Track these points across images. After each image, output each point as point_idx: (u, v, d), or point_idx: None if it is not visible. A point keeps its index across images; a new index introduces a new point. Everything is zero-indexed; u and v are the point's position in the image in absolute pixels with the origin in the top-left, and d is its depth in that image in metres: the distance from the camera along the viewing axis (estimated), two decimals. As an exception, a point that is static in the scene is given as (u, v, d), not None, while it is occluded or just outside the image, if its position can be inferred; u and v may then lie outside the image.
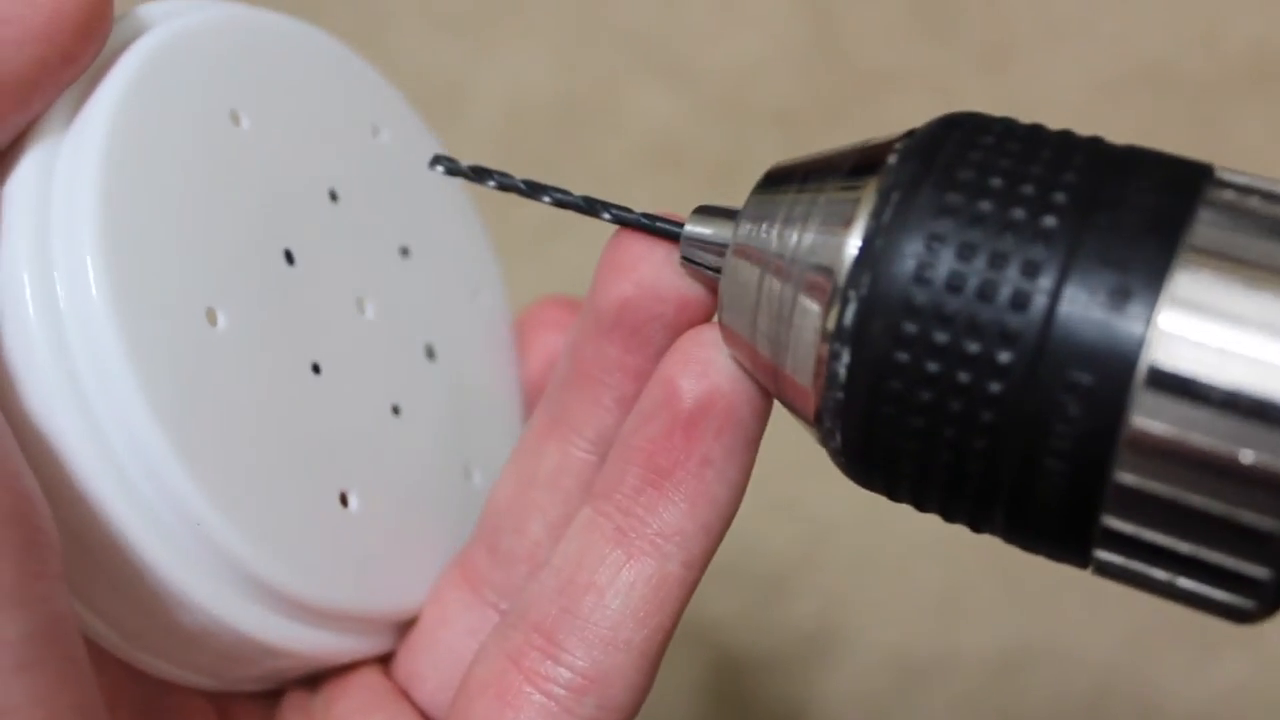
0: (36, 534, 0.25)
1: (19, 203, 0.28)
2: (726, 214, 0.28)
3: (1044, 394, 0.22)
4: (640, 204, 0.30)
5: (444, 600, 0.33)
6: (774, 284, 0.26)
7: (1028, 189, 0.23)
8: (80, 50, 0.28)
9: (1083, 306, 0.22)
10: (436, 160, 0.32)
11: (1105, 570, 0.23)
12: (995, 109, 0.25)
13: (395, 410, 0.34)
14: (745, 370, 0.28)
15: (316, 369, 0.32)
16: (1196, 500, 0.21)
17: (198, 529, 0.28)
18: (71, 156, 0.28)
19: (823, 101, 0.68)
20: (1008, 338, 0.22)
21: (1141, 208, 0.22)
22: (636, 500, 0.29)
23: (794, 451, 0.62)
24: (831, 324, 0.24)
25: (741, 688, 0.64)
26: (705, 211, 0.28)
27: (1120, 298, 0.22)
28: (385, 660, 0.34)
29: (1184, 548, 0.22)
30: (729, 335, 0.28)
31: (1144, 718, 0.62)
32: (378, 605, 0.33)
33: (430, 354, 0.35)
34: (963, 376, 0.23)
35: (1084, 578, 0.61)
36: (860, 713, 0.63)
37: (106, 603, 0.29)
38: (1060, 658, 0.63)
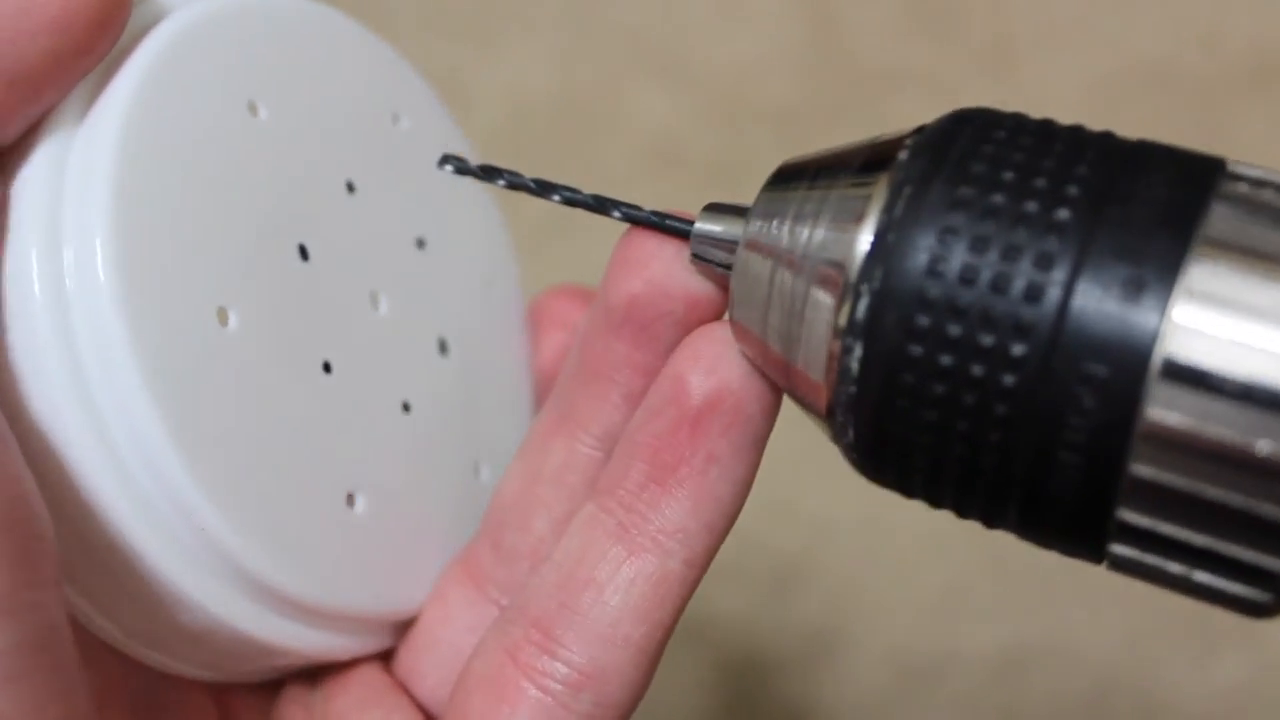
0: (32, 541, 0.24)
1: (30, 197, 0.27)
2: (737, 211, 0.28)
3: (1058, 386, 0.22)
4: (641, 204, 0.30)
5: (446, 597, 0.33)
6: (785, 279, 0.26)
7: (1040, 182, 0.23)
8: (95, 43, 0.27)
9: (1097, 298, 0.21)
10: (445, 160, 0.32)
11: (1120, 565, 0.23)
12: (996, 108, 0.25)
13: (405, 407, 0.33)
14: (756, 367, 0.28)
15: (327, 368, 0.31)
16: (1212, 492, 0.21)
17: (201, 533, 0.28)
18: (85, 150, 0.28)
19: (822, 101, 0.68)
20: (1021, 330, 0.22)
21: (1155, 201, 0.22)
22: (639, 496, 0.28)
23: (796, 451, 0.62)
24: (844, 318, 0.24)
25: (742, 687, 0.64)
26: (715, 209, 0.28)
27: (1134, 289, 0.21)
28: (387, 655, 0.34)
29: (1200, 541, 0.21)
30: (740, 331, 0.27)
31: (1144, 717, 0.62)
32: (379, 605, 0.32)
33: (443, 348, 0.35)
34: (976, 369, 0.22)
35: (1084, 578, 0.61)
36: (860, 713, 0.63)
37: (106, 597, 0.29)
38: (1060, 657, 0.63)
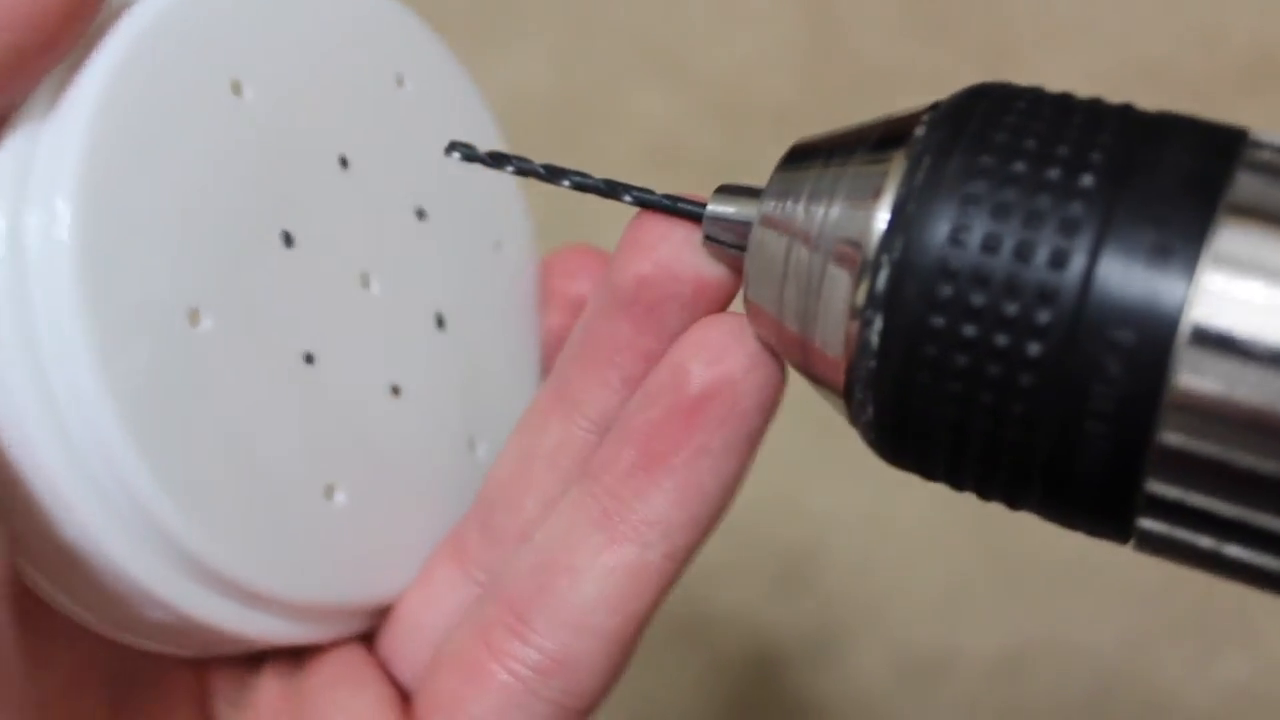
0: None
1: None
2: (750, 192, 0.27)
3: (1084, 355, 0.21)
4: (642, 201, 0.29)
5: (431, 578, 0.33)
6: (802, 255, 0.25)
7: (1063, 150, 0.22)
8: (62, 38, 0.26)
9: (1123, 264, 0.21)
10: (453, 147, 0.31)
11: (1148, 541, 0.22)
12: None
13: (395, 391, 0.32)
14: (771, 348, 0.27)
15: (310, 359, 0.30)
16: (1243, 460, 0.20)
17: (165, 533, 0.27)
18: (51, 148, 0.26)
19: (822, 101, 0.68)
20: (1046, 297, 0.21)
21: (1179, 168, 0.21)
22: (626, 484, 0.28)
23: (796, 449, 0.63)
24: (863, 291, 0.23)
25: (741, 687, 0.63)
26: (727, 190, 0.28)
27: (1161, 255, 0.21)
28: (370, 633, 0.33)
29: (1231, 511, 0.21)
30: (755, 311, 0.27)
31: (1144, 717, 0.62)
32: (356, 596, 0.32)
33: (440, 323, 0.34)
34: (1000, 339, 0.22)
35: (1084, 577, 0.60)
36: (860, 712, 0.63)
37: (77, 592, 0.28)
38: (1060, 657, 0.62)
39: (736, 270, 0.28)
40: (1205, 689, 0.61)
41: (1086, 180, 0.22)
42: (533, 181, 0.31)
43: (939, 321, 0.22)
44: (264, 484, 0.29)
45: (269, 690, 0.32)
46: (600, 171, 0.30)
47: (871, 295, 0.23)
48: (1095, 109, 0.23)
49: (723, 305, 0.29)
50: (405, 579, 0.33)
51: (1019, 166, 0.22)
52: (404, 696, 0.31)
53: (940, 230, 0.22)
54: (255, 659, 0.32)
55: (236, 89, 0.29)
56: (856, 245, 0.24)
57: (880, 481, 0.65)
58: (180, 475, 0.27)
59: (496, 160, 0.30)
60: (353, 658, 0.32)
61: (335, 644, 0.32)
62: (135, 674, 0.31)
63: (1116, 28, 0.67)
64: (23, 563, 0.28)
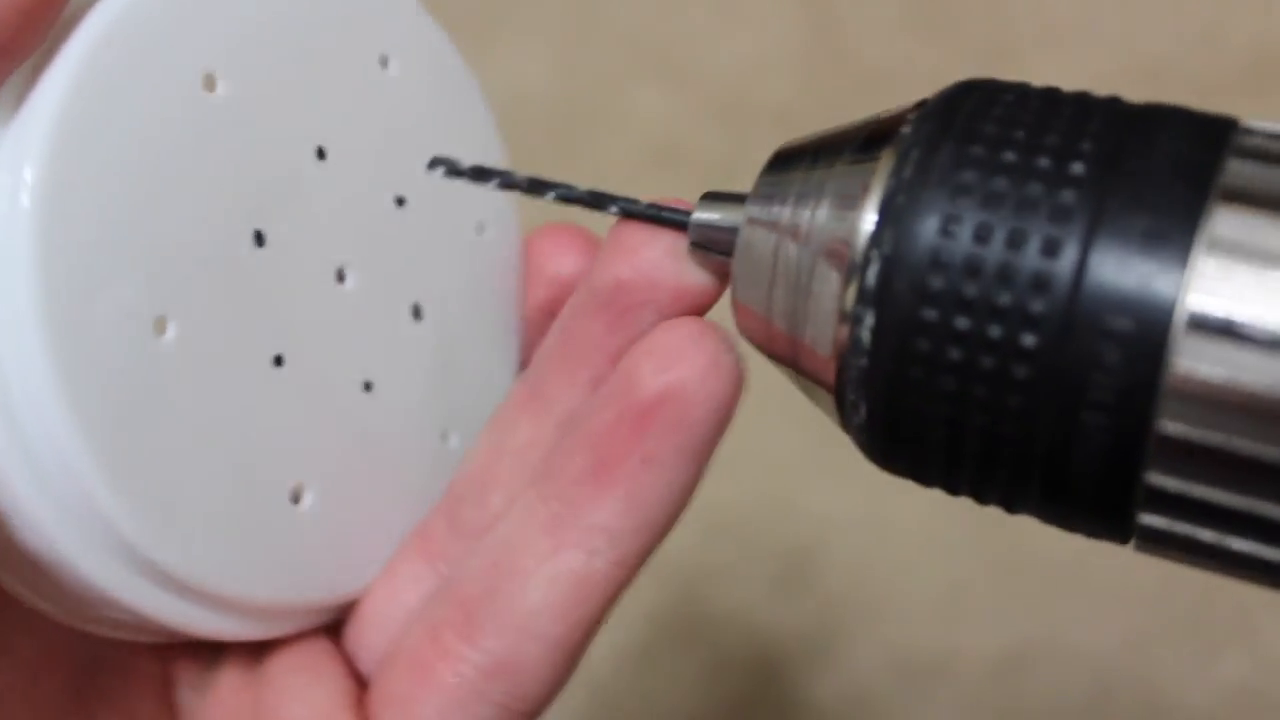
0: None
1: None
2: (736, 198, 0.27)
3: (1080, 344, 0.20)
4: (640, 202, 0.29)
5: (396, 572, 0.32)
6: (790, 254, 0.25)
7: (1052, 139, 0.22)
8: (20, 41, 0.25)
9: (1117, 251, 0.20)
10: (435, 162, 0.30)
11: (1149, 538, 0.22)
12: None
13: (367, 387, 0.32)
14: (763, 350, 0.27)
15: (279, 361, 0.29)
16: (1245, 448, 0.20)
17: (123, 541, 0.27)
18: (11, 153, 0.25)
19: (822, 101, 0.68)
20: (1040, 286, 0.21)
21: (1170, 155, 0.21)
22: (576, 489, 0.27)
23: (794, 450, 0.63)
24: (854, 287, 0.23)
25: (741, 687, 0.63)
26: (713, 197, 0.27)
27: (1155, 241, 0.20)
28: (337, 624, 0.33)
29: (1235, 502, 0.20)
30: (744, 313, 0.26)
31: (1144, 717, 0.62)
32: (323, 595, 0.31)
33: (417, 314, 0.33)
34: (994, 331, 0.21)
35: (1084, 577, 0.60)
36: (860, 713, 0.62)
37: (42, 590, 0.28)
38: (1060, 658, 0.62)
39: (724, 277, 0.28)
40: (1205, 689, 0.61)
41: (1077, 168, 0.21)
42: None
43: (931, 315, 0.22)
44: (228, 490, 0.28)
45: (230, 676, 0.31)
46: (601, 171, 0.29)
47: (862, 291, 0.22)
48: (1083, 101, 0.23)
49: (702, 313, 0.28)
50: (372, 573, 0.32)
51: (1009, 156, 0.22)
52: (365, 687, 0.31)
53: (930, 222, 0.22)
54: (218, 646, 0.32)
55: (209, 83, 0.28)
56: (846, 242, 0.23)
57: (880, 483, 0.65)
58: (141, 486, 0.26)
59: (479, 175, 0.30)
60: (315, 648, 0.31)
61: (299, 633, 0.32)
62: (98, 660, 0.31)
63: (1116, 28, 0.67)
64: None
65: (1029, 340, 0.21)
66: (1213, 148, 0.21)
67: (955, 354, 0.22)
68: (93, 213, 0.26)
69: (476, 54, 0.35)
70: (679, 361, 0.27)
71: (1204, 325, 0.20)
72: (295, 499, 0.30)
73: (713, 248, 0.27)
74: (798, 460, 0.64)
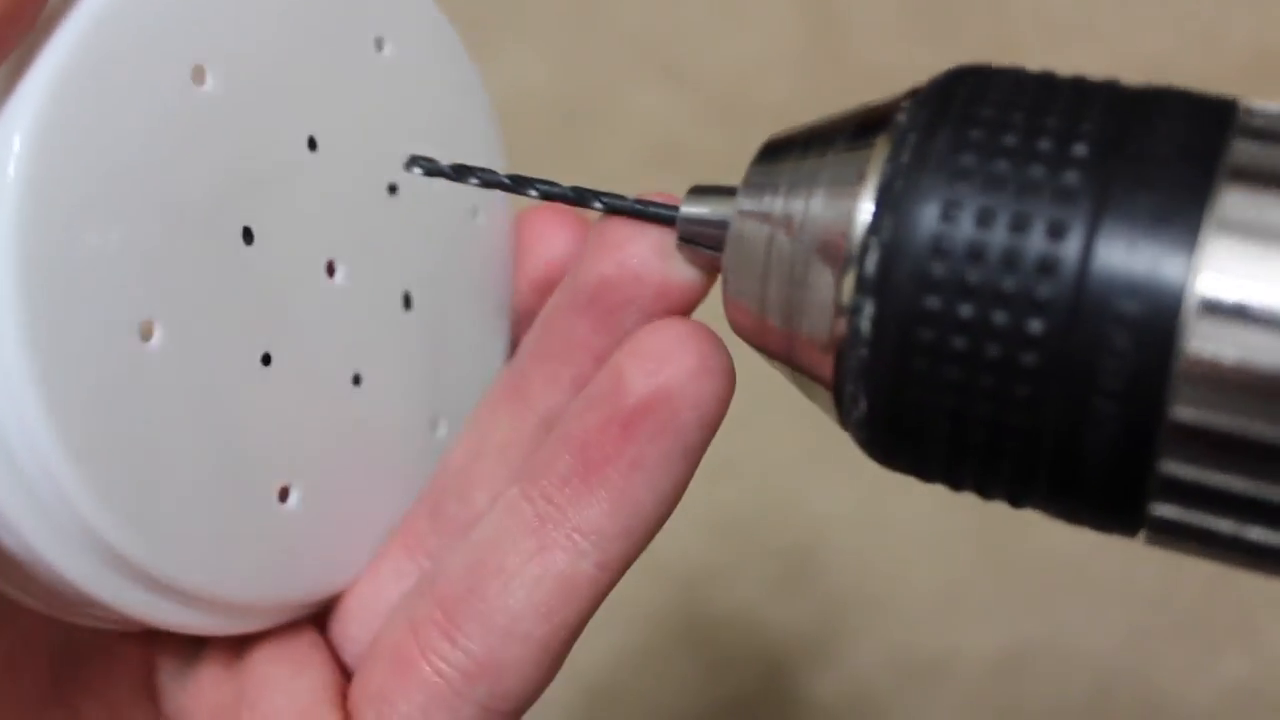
0: None
1: None
2: (724, 191, 0.26)
3: (1089, 329, 0.20)
4: (640, 202, 0.28)
5: (380, 564, 0.32)
6: (784, 248, 0.24)
7: (1053, 121, 0.21)
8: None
9: (1124, 233, 0.20)
10: (414, 161, 0.30)
11: (1162, 530, 0.21)
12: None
13: (356, 380, 0.31)
14: (757, 346, 0.26)
15: (267, 360, 0.28)
16: (1261, 431, 0.19)
17: (114, 553, 0.26)
18: None
19: (822, 101, 0.66)
20: (1046, 270, 0.20)
21: (1173, 135, 0.20)
22: (561, 490, 0.27)
23: (794, 450, 0.62)
24: (852, 277, 0.22)
25: (741, 687, 0.63)
26: (701, 191, 0.27)
27: (1162, 221, 0.20)
28: (323, 614, 0.32)
29: (1251, 489, 0.19)
30: (736, 309, 0.26)
31: (1144, 717, 0.61)
32: (309, 592, 0.31)
33: (407, 303, 0.32)
34: (999, 317, 0.20)
35: (1084, 577, 0.59)
36: (860, 712, 0.62)
37: (25, 587, 0.27)
38: (1060, 658, 0.62)
39: (713, 273, 0.27)
40: (1205, 689, 0.61)
41: (1080, 150, 0.20)
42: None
43: (934, 303, 0.21)
44: (214, 494, 0.28)
45: (213, 665, 0.31)
46: (600, 171, 0.29)
47: (861, 281, 0.22)
48: (1081, 84, 0.22)
49: (687, 311, 0.28)
50: (359, 567, 0.32)
51: (1009, 139, 0.21)
52: (350, 679, 0.31)
53: (930, 207, 0.21)
54: (201, 636, 0.31)
55: (198, 77, 0.27)
56: (842, 231, 0.22)
57: (880, 481, 0.65)
58: (126, 493, 0.26)
59: (460, 173, 0.29)
60: (299, 638, 0.31)
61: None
62: (79, 649, 0.31)
63: (1116, 28, 0.67)
64: None
65: (1036, 326, 0.20)
66: (1217, 128, 0.20)
67: (959, 343, 0.21)
68: (78, 215, 0.25)
69: (477, 54, 0.35)
70: (667, 364, 0.26)
71: (1216, 307, 0.19)
72: (283, 498, 0.29)
73: (701, 243, 0.26)
74: (798, 460, 0.63)
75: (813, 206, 0.23)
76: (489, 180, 0.29)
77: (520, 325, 0.35)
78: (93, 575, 0.26)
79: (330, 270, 0.30)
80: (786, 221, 0.24)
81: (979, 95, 0.22)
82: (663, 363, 0.26)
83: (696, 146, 0.67)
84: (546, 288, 0.32)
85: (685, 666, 0.62)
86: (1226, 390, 0.19)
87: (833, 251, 0.22)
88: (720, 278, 0.26)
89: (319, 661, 0.30)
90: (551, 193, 0.28)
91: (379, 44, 0.31)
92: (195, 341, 0.27)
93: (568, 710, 0.61)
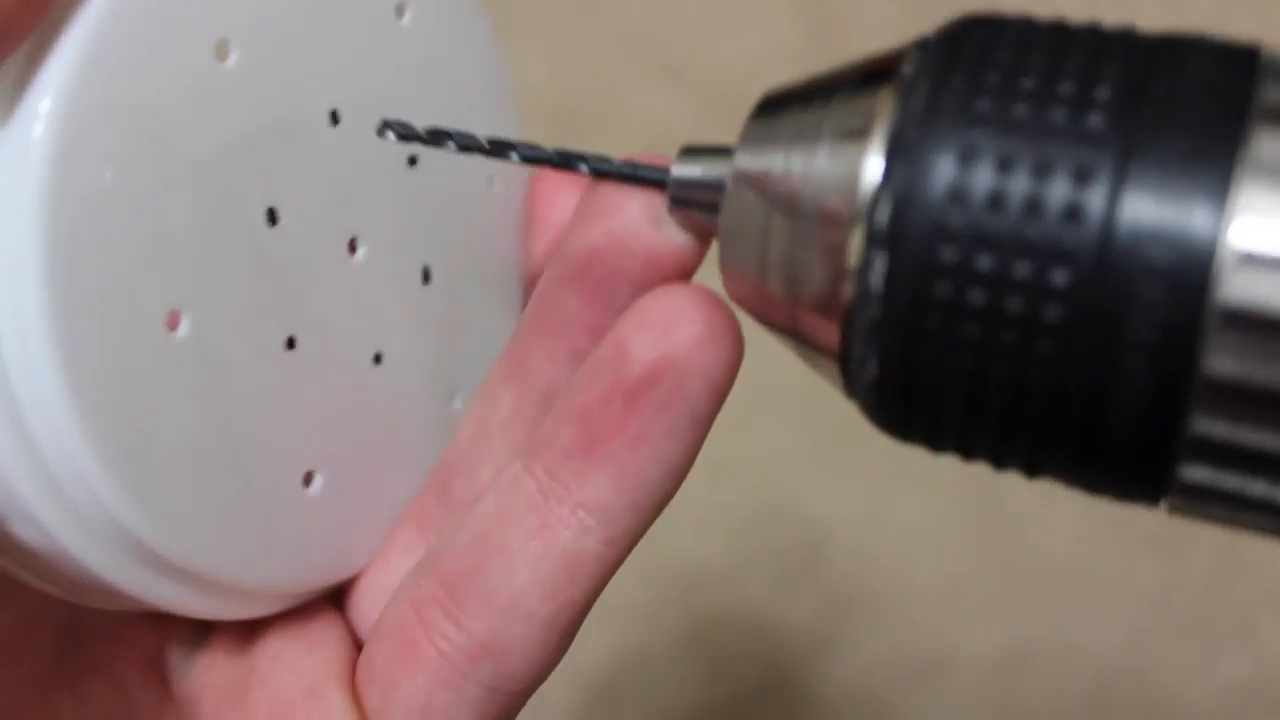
0: None
1: None
2: (718, 151, 0.24)
3: (1118, 280, 0.18)
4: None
5: (393, 542, 0.31)
6: (787, 205, 0.22)
7: (1073, 65, 0.20)
8: (13, 29, 0.23)
9: (1153, 177, 0.18)
10: (386, 126, 0.28)
11: (1190, 495, 0.19)
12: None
13: (377, 359, 0.30)
14: (756, 315, 0.24)
15: (291, 344, 0.28)
16: None
17: (139, 544, 0.25)
18: (10, 142, 0.23)
19: (822, 101, 0.67)
20: (1072, 218, 0.18)
21: (1201, 76, 0.19)
22: (565, 465, 0.25)
23: (796, 449, 0.61)
24: (861, 231, 0.20)
25: (742, 687, 0.62)
26: (693, 151, 0.25)
27: (1194, 165, 0.18)
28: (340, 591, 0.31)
29: None
30: (733, 276, 0.24)
31: (1144, 717, 0.61)
32: (330, 574, 0.30)
33: (426, 277, 0.31)
34: (1021, 269, 0.19)
35: (1084, 577, 0.58)
36: (861, 711, 0.62)
37: (42, 575, 0.26)
38: (1060, 657, 0.61)
39: (709, 237, 0.25)
40: (1205, 688, 0.60)
41: (1103, 92, 0.19)
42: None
43: (951, 255, 0.19)
44: (241, 482, 0.27)
45: (224, 642, 0.30)
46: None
47: (872, 234, 0.20)
48: (1099, 30, 0.21)
49: (681, 278, 0.26)
50: (376, 546, 0.31)
51: (1027, 83, 0.19)
52: None
53: (946, 154, 0.19)
54: None
55: (221, 52, 0.26)
56: (851, 183, 0.21)
57: (880, 481, 0.65)
58: (149, 484, 0.25)
59: (435, 138, 0.27)
60: (313, 615, 0.30)
61: None
62: (85, 628, 0.30)
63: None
64: None
65: (1060, 277, 0.19)
66: (1244, 70, 0.19)
67: (978, 297, 0.19)
68: (100, 201, 0.24)
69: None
70: (672, 331, 0.24)
71: (1251, 253, 0.18)
72: (307, 483, 0.29)
73: (695, 206, 0.25)
74: (798, 460, 0.63)
75: (816, 160, 0.21)
76: (466, 144, 0.27)
77: (533, 293, 0.34)
78: (118, 566, 0.25)
79: (352, 248, 0.29)
80: (788, 178, 0.22)
81: (992, 41, 0.20)
82: (667, 330, 0.24)
83: (696, 146, 0.67)
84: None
85: (685, 666, 0.62)
86: (1263, 340, 0.18)
87: (840, 205, 0.21)
88: (716, 243, 0.24)
89: (333, 639, 0.29)
90: (534, 156, 0.26)
91: (399, 10, 0.30)
92: (219, 330, 0.26)
93: (568, 710, 0.60)
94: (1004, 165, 0.19)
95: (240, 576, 0.27)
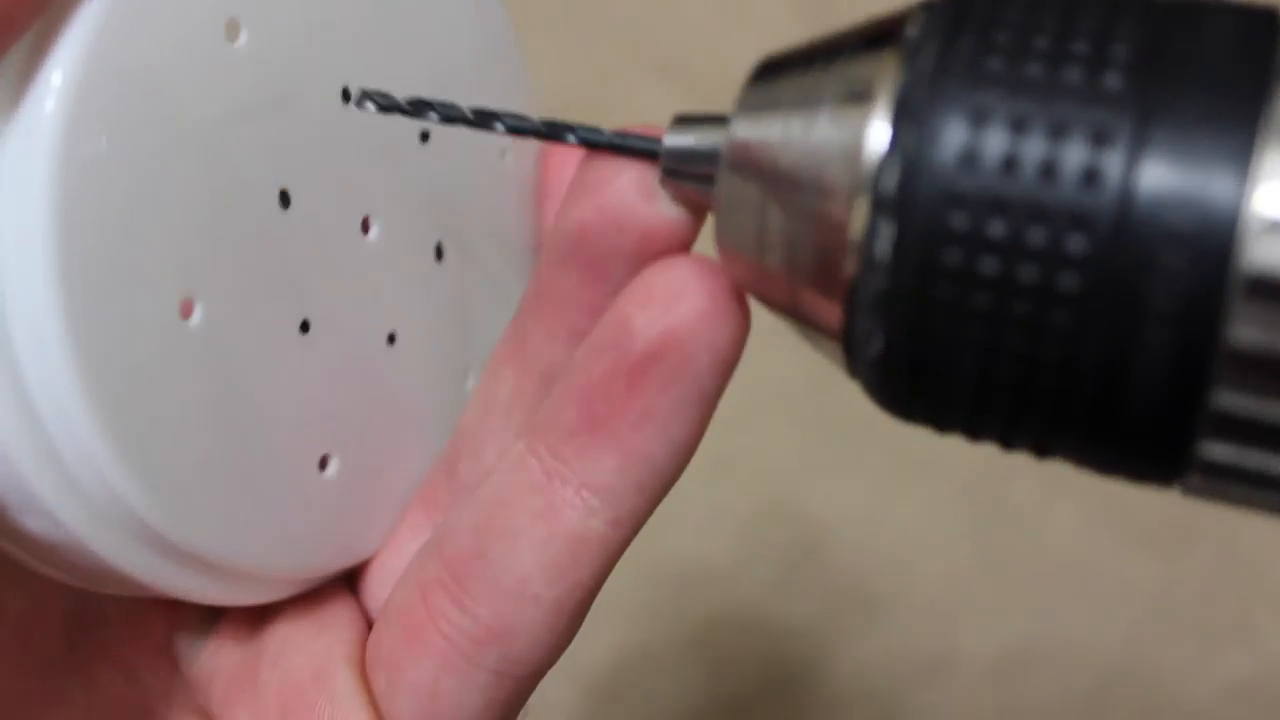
0: None
1: None
2: (713, 119, 0.23)
3: (1137, 246, 0.17)
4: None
5: (403, 523, 0.30)
6: (786, 175, 0.21)
7: (1087, 25, 0.18)
8: (19, 15, 0.22)
9: (1174, 139, 0.17)
10: (365, 96, 0.27)
11: (1210, 473, 0.18)
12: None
13: (391, 340, 0.29)
14: (754, 293, 0.23)
15: (305, 327, 0.27)
16: None
17: (155, 535, 0.25)
18: (22, 128, 0.22)
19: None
20: (1089, 182, 0.17)
21: (1221, 36, 0.18)
22: (568, 444, 0.25)
23: (796, 449, 0.61)
24: (866, 197, 0.19)
25: (741, 687, 0.62)
26: (686, 120, 0.24)
27: (1216, 126, 0.17)
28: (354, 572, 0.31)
29: None
30: (729, 252, 0.23)
31: (1144, 717, 0.60)
32: (346, 556, 0.29)
33: (439, 254, 0.30)
34: (1036, 236, 0.18)
35: (1084, 577, 0.58)
36: (860, 711, 0.61)
37: (54, 564, 0.25)
38: (1060, 657, 0.61)
39: (704, 209, 0.24)
40: (1205, 688, 0.60)
41: (1120, 51, 0.18)
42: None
43: (962, 221, 0.18)
44: (257, 469, 0.26)
45: (236, 625, 0.29)
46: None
47: (878, 201, 0.19)
48: None
49: (676, 251, 0.25)
50: (388, 527, 0.30)
51: (1040, 42, 0.18)
52: None
53: (957, 116, 0.18)
54: None
55: (232, 32, 0.25)
56: (855, 147, 0.19)
57: (880, 481, 0.65)
58: (165, 473, 0.24)
59: (417, 109, 0.26)
60: (325, 596, 0.29)
61: None
62: (95, 613, 0.29)
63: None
64: None
65: (1078, 245, 0.18)
66: (1265, 29, 0.18)
67: (990, 266, 0.18)
68: (111, 188, 0.23)
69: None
70: (676, 305, 0.23)
71: (1277, 219, 0.17)
72: (323, 466, 0.28)
73: (690, 177, 0.23)
74: (798, 459, 0.62)
75: (817, 126, 0.20)
76: (450, 116, 0.26)
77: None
78: (131, 554, 0.25)
79: (365, 227, 0.28)
80: (788, 144, 0.21)
81: (1000, 1, 0.19)
82: (670, 305, 0.23)
83: (696, 146, 0.67)
84: None
85: (685, 666, 0.61)
86: None
87: (844, 170, 0.20)
88: (712, 216, 0.23)
89: (344, 620, 0.29)
90: (520, 127, 0.25)
91: None
92: (234, 315, 0.25)
93: (568, 710, 0.60)
94: (1017, 127, 0.18)
95: (255, 563, 0.27)
